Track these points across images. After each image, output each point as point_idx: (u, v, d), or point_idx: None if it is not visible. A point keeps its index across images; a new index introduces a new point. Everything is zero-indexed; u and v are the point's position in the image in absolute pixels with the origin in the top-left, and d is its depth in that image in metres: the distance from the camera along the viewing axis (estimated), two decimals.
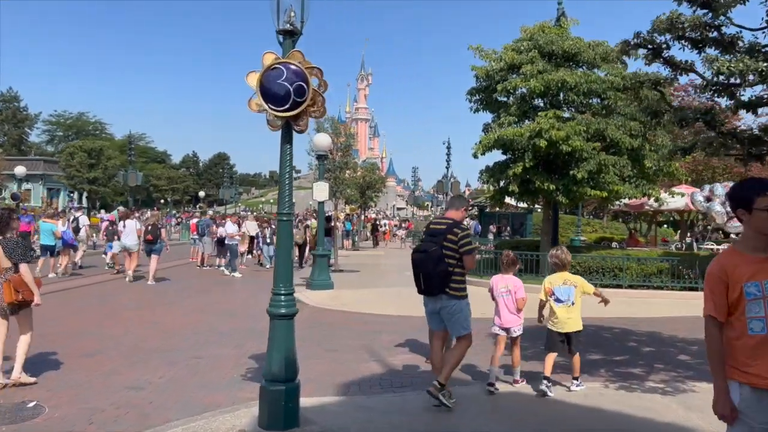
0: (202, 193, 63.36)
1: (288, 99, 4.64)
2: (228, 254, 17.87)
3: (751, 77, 4.99)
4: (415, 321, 10.08)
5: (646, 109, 5.91)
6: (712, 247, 22.95)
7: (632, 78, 5.65)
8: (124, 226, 15.59)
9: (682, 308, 12.09)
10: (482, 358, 7.16)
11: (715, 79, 5.02)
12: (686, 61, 5.84)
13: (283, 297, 4.85)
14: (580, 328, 6.11)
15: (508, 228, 30.65)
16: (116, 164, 57.24)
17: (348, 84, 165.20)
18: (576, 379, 6.26)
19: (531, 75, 14.07)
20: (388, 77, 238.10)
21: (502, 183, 15.58)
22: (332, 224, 22.75)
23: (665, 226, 33.97)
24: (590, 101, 14.80)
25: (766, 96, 5.50)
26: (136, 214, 20.86)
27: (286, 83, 4.64)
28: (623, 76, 14.30)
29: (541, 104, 15.10)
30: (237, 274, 17.51)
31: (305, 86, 4.67)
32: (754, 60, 4.51)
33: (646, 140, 14.51)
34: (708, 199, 14.04)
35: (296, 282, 14.89)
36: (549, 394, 5.89)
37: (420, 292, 5.55)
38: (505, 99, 15.48)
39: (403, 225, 47.78)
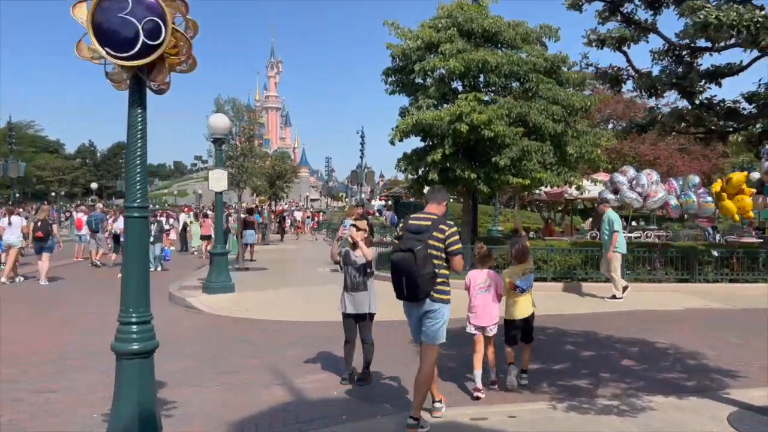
0: (94, 185, 58.43)
1: (136, 42, 3.22)
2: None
3: (733, 37, 4.04)
4: (329, 328, 8.88)
5: (605, 75, 4.87)
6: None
7: (591, 35, 4.59)
8: (9, 224, 14.47)
9: (605, 303, 11.52)
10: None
11: (695, 37, 4.07)
12: (647, 20, 4.85)
13: (135, 327, 3.40)
14: (535, 307, 6.26)
15: None
16: None
17: (257, 71, 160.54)
18: (524, 371, 6.21)
19: (450, 54, 13.04)
20: (300, 65, 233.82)
21: (420, 171, 14.52)
22: (254, 217, 21.65)
23: (574, 215, 34.66)
24: (511, 84, 14.00)
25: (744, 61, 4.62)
26: (19, 210, 19.47)
27: (132, 19, 3.21)
28: (545, 57, 13.65)
29: (461, 87, 14.15)
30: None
31: (161, 24, 3.25)
32: (750, 8, 3.55)
33: (568, 126, 13.91)
34: (615, 192, 13.63)
35: (192, 284, 13.44)
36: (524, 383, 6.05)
37: (400, 297, 4.84)
38: (423, 81, 14.40)
39: (309, 216, 46.09)
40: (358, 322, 6.32)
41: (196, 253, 23.16)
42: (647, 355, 7.45)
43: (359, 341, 6.35)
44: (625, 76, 4.86)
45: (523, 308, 6.08)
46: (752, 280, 13.32)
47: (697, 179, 13.36)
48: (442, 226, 4.80)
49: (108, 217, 19.89)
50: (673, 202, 13.62)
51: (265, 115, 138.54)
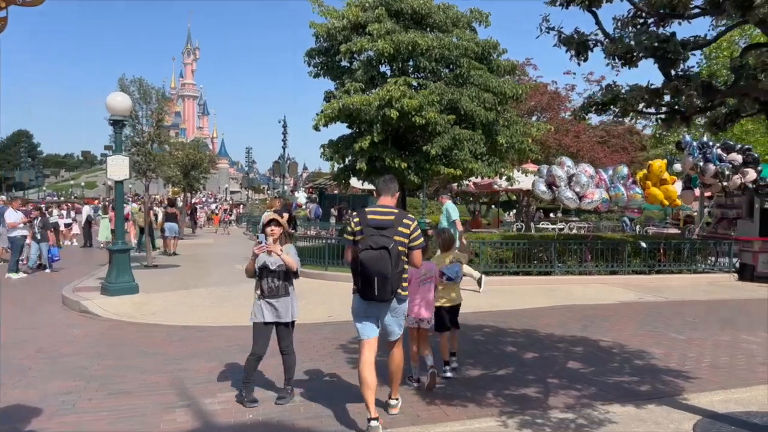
0: None
1: None
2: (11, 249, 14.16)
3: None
4: (245, 334, 7.84)
5: (570, 41, 4.17)
6: (547, 226, 23.32)
7: None
8: None
9: (541, 296, 11.12)
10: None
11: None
12: None
13: None
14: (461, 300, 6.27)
15: (350, 211, 29.03)
16: None
17: (173, 58, 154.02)
18: (454, 354, 6.30)
19: (378, 35, 12.22)
20: (218, 52, 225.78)
21: (347, 160, 13.64)
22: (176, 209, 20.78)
23: (495, 206, 34.84)
24: (442, 69, 13.36)
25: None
26: None
27: None
28: (476, 42, 13.09)
29: (389, 71, 13.37)
30: (15, 275, 13.72)
31: None
32: None
33: (499, 114, 13.45)
34: (550, 186, 13.28)
35: (90, 285, 11.90)
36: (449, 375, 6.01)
37: (370, 298, 4.47)
38: (349, 64, 13.52)
39: (225, 210, 44.21)
40: (278, 332, 5.39)
41: (103, 246, 21.38)
42: (593, 356, 6.95)
43: (270, 355, 5.46)
44: (593, 42, 4.20)
45: (451, 296, 6.10)
46: (677, 271, 13.40)
47: (626, 170, 13.21)
48: (406, 221, 4.55)
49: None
50: (603, 196, 13.38)
51: (182, 103, 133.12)
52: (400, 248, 4.44)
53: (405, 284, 4.66)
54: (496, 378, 6.11)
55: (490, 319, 9.03)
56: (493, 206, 31.49)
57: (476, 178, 14.67)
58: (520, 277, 12.55)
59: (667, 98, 4.55)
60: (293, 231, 15.77)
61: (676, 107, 4.82)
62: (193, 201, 45.05)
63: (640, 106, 4.82)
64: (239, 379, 6.08)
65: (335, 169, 14.05)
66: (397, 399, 5.02)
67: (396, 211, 4.60)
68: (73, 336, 8.12)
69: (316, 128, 12.71)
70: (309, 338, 7.79)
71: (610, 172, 13.39)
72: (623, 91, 4.75)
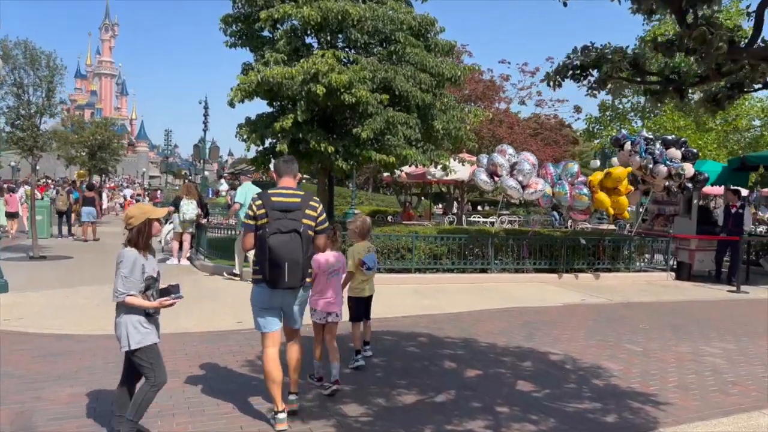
0: None
1: None
2: None
3: None
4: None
5: None
6: (479, 219, 22.66)
7: None
8: None
9: (479, 296, 10.16)
10: None
11: None
12: None
13: None
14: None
15: None
16: None
17: (89, 33, 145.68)
18: (367, 343, 6.23)
19: (304, 1, 10.83)
20: (139, 27, 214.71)
21: (267, 142, 12.18)
22: (94, 193, 19.72)
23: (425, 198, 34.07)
24: (375, 45, 12.12)
25: None
26: None
27: None
28: (413, 16, 11.94)
29: (316, 44, 12.00)
30: None
31: None
32: None
33: (435, 97, 12.38)
34: (492, 175, 12.35)
35: None
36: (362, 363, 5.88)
37: (278, 286, 4.20)
38: (271, 33, 12.04)
39: (134, 195, 41.48)
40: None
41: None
42: (545, 374, 5.96)
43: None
44: None
45: (368, 287, 5.98)
46: (615, 269, 12.84)
47: (576, 167, 12.46)
48: (312, 203, 4.39)
49: None
50: (547, 190, 12.57)
51: (98, 82, 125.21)
52: (309, 232, 4.28)
53: (310, 270, 4.51)
54: (436, 407, 4.97)
55: (424, 325, 7.93)
56: (423, 198, 30.69)
57: (410, 166, 13.57)
58: (455, 274, 11.56)
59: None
60: (204, 220, 14.18)
61: (671, 76, 3.83)
62: (109, 185, 41.91)
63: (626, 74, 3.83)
64: (100, 405, 4.70)
65: (255, 152, 12.54)
66: (296, 394, 4.72)
67: (301, 193, 4.43)
68: None
69: (231, 104, 11.17)
70: (210, 351, 6.41)
71: (560, 168, 12.62)
72: (608, 52, 3.71)
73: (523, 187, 11.61)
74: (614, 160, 14.38)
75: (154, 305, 3.99)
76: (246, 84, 10.80)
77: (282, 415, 4.29)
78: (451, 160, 13.25)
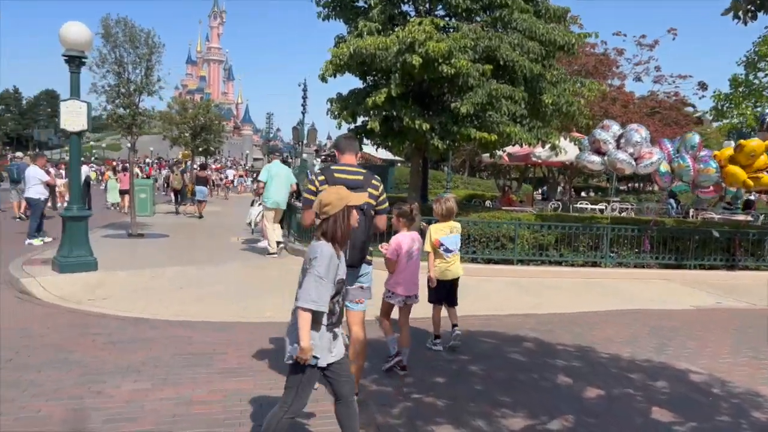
0: None
1: None
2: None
3: None
4: (200, 335, 6.03)
5: None
6: (586, 206, 20.90)
7: None
8: None
9: (592, 294, 8.92)
10: None
11: None
12: None
13: None
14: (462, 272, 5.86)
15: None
16: None
17: (199, 21, 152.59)
18: (455, 325, 5.79)
19: None
20: (244, 14, 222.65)
21: (359, 120, 11.44)
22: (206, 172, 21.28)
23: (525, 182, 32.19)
24: (478, 11, 10.97)
25: None
26: None
27: None
28: None
29: (413, 12, 11.05)
30: (37, 241, 12.19)
31: None
32: None
33: (545, 68, 11.07)
34: (598, 152, 10.88)
35: (46, 257, 9.96)
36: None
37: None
38: (365, 4, 11.21)
39: (236, 176, 42.72)
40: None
41: (112, 208, 22.07)
42: (686, 400, 4.78)
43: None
44: None
45: (450, 269, 5.69)
46: (754, 267, 11.04)
47: (696, 138, 10.73)
48: (374, 182, 4.30)
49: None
50: (663, 168, 10.99)
51: (207, 68, 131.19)
52: (371, 211, 4.19)
53: (371, 250, 4.39)
54: None
55: (530, 327, 6.89)
56: (524, 182, 29.02)
57: (513, 146, 12.36)
58: (562, 268, 10.33)
59: None
60: (297, 202, 13.74)
61: None
62: (215, 166, 43.44)
63: None
64: (162, 415, 4.11)
65: (346, 130, 11.83)
66: (357, 395, 4.15)
67: (363, 171, 4.31)
68: None
69: (323, 79, 10.50)
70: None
71: (677, 142, 10.98)
72: None
73: (636, 160, 10.13)
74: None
75: (310, 355, 3.13)
76: (338, 56, 10.07)
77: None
78: (562, 138, 11.88)
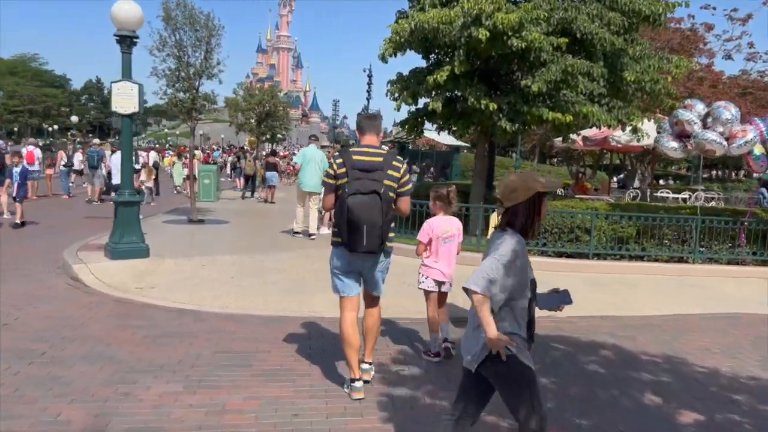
0: (74, 118, 54.39)
1: None
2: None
3: None
4: (247, 330, 5.82)
5: None
6: (667, 195, 19.40)
7: None
8: None
9: (679, 294, 7.95)
10: None
11: None
12: None
13: None
14: None
15: (432, 169, 26.07)
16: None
17: (269, 9, 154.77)
18: None
19: None
20: (313, 4, 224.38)
21: (420, 102, 10.76)
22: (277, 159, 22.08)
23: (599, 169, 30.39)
24: None
25: None
26: None
27: None
28: None
29: None
30: None
31: None
32: None
33: (627, 43, 10.01)
34: (682, 135, 9.75)
35: (101, 243, 9.90)
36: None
37: (356, 249, 3.97)
38: None
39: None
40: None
41: (178, 191, 22.79)
42: None
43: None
44: None
45: None
46: None
47: None
48: (395, 163, 4.07)
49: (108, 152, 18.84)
50: (758, 150, 9.78)
51: (277, 56, 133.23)
52: (390, 194, 4.03)
53: (392, 234, 4.25)
54: None
55: (608, 331, 6.08)
56: (599, 169, 27.42)
57: (591, 128, 11.35)
58: (644, 263, 9.34)
59: None
60: None
61: None
62: (283, 153, 43.75)
63: None
64: (187, 427, 3.67)
65: (406, 113, 11.16)
66: (370, 364, 4.51)
67: (384, 151, 4.14)
68: (28, 315, 6.01)
69: (383, 58, 9.88)
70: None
71: None
72: None
73: (726, 140, 9.00)
74: None
75: (503, 341, 2.57)
76: (398, 33, 9.41)
77: (359, 384, 4.17)
78: (645, 120, 10.75)
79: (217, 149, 51.31)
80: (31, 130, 71.98)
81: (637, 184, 21.23)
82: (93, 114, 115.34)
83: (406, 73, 10.62)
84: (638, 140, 11.07)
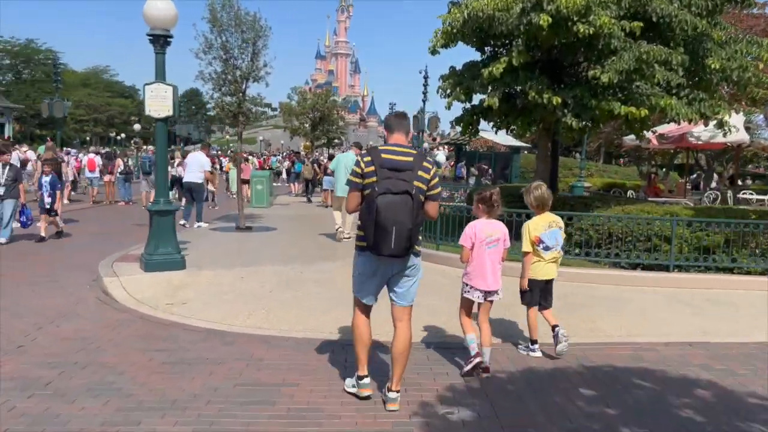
0: (137, 126, 55.91)
1: None
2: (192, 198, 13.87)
3: None
4: (277, 356, 5.18)
5: None
6: (751, 196, 17.69)
7: None
8: None
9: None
10: None
11: None
12: None
13: None
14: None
15: (490, 171, 24.98)
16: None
17: (328, 15, 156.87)
18: (557, 325, 5.04)
19: None
20: (370, 8, 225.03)
21: (478, 99, 9.90)
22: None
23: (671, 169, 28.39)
24: None
25: None
26: (16, 146, 18.90)
27: None
28: None
29: None
30: (188, 224, 13.22)
31: None
32: None
33: (710, 26, 8.84)
34: None
35: (137, 251, 8.96)
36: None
37: (382, 253, 3.76)
38: None
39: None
40: None
41: (232, 196, 22.36)
42: None
43: None
44: None
45: (550, 268, 5.07)
46: None
47: None
48: (426, 164, 3.89)
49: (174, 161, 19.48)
50: None
51: (335, 62, 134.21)
52: (421, 196, 3.80)
53: (420, 239, 4.06)
54: None
55: (701, 363, 5.07)
56: (669, 170, 25.62)
57: (668, 123, 10.19)
58: (737, 276, 8.16)
59: None
60: None
61: None
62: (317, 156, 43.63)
63: None
64: None
65: (461, 110, 10.30)
66: (397, 392, 4.01)
67: (414, 152, 3.94)
68: (47, 334, 5.58)
69: (433, 51, 9.11)
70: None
71: None
72: None
73: None
74: None
75: None
76: (450, 23, 8.62)
77: (367, 380, 4.08)
78: (733, 113, 9.51)
79: (276, 155, 51.73)
80: (101, 138, 74.96)
81: (713, 184, 19.55)
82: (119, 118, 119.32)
83: (459, 67, 9.80)
84: (724, 135, 9.80)
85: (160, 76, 7.88)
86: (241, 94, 12.70)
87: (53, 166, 13.53)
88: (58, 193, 11.09)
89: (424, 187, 3.83)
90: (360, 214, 3.90)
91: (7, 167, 10.07)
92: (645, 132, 10.86)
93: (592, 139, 20.41)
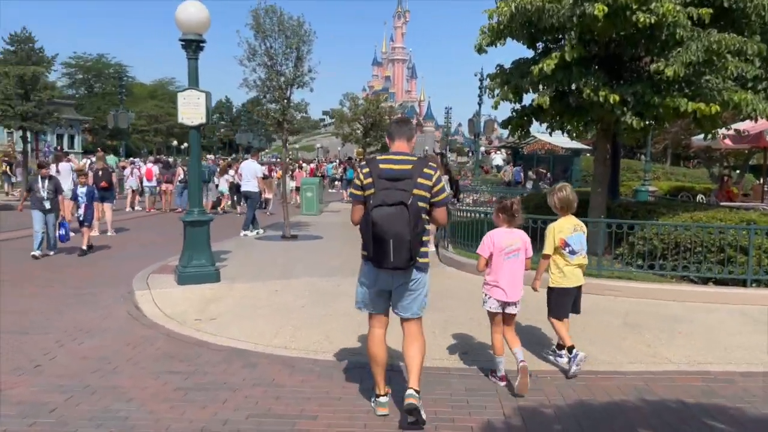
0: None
1: None
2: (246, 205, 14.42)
3: None
4: (307, 375, 4.80)
5: None
6: None
7: None
8: (57, 171, 14.43)
9: None
10: None
11: None
12: None
13: None
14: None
15: (549, 175, 23.97)
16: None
17: (384, 22, 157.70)
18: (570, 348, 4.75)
19: None
20: (426, 12, 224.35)
21: (529, 99, 9.24)
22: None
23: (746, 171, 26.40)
24: None
25: None
26: (69, 157, 20.44)
27: None
28: None
29: None
30: (252, 233, 13.31)
31: None
32: None
33: None
34: None
35: (174, 263, 8.63)
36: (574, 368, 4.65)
37: (383, 266, 3.73)
38: None
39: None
40: None
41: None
42: None
43: None
44: None
45: (577, 274, 4.87)
46: None
47: None
48: (426, 171, 3.80)
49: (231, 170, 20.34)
50: None
51: (392, 68, 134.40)
52: (420, 204, 3.72)
53: (425, 249, 3.85)
54: None
55: None
56: (743, 171, 23.85)
57: (743, 120, 9.22)
58: None
59: None
60: (455, 201, 11.91)
61: None
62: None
63: None
64: None
65: (510, 110, 9.64)
66: (417, 391, 3.78)
67: (414, 158, 3.85)
68: (67, 352, 5.37)
69: (479, 50, 8.54)
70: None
71: None
72: None
73: None
74: None
75: None
76: (499, 16, 8.02)
77: (384, 399, 4.00)
78: None
79: (333, 161, 51.94)
80: (166, 148, 77.56)
81: None
82: (223, 132, 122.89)
83: (508, 65, 9.18)
84: None
85: (193, 82, 7.67)
86: (285, 101, 12.50)
87: (105, 177, 13.78)
88: (95, 204, 11.24)
89: (426, 195, 3.75)
90: (359, 227, 3.84)
91: (47, 180, 10.13)
92: (718, 130, 9.89)
93: (656, 139, 19.20)
